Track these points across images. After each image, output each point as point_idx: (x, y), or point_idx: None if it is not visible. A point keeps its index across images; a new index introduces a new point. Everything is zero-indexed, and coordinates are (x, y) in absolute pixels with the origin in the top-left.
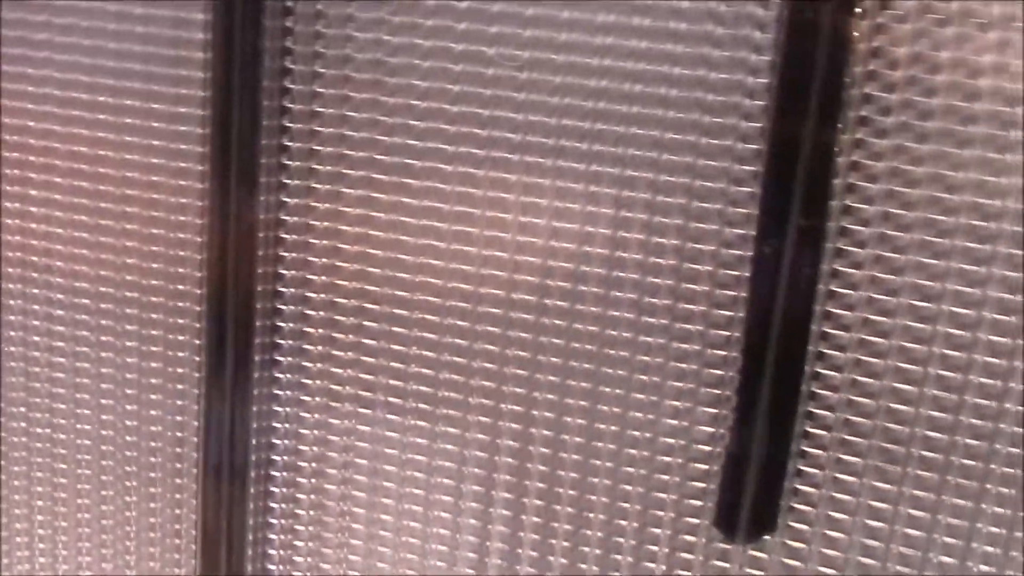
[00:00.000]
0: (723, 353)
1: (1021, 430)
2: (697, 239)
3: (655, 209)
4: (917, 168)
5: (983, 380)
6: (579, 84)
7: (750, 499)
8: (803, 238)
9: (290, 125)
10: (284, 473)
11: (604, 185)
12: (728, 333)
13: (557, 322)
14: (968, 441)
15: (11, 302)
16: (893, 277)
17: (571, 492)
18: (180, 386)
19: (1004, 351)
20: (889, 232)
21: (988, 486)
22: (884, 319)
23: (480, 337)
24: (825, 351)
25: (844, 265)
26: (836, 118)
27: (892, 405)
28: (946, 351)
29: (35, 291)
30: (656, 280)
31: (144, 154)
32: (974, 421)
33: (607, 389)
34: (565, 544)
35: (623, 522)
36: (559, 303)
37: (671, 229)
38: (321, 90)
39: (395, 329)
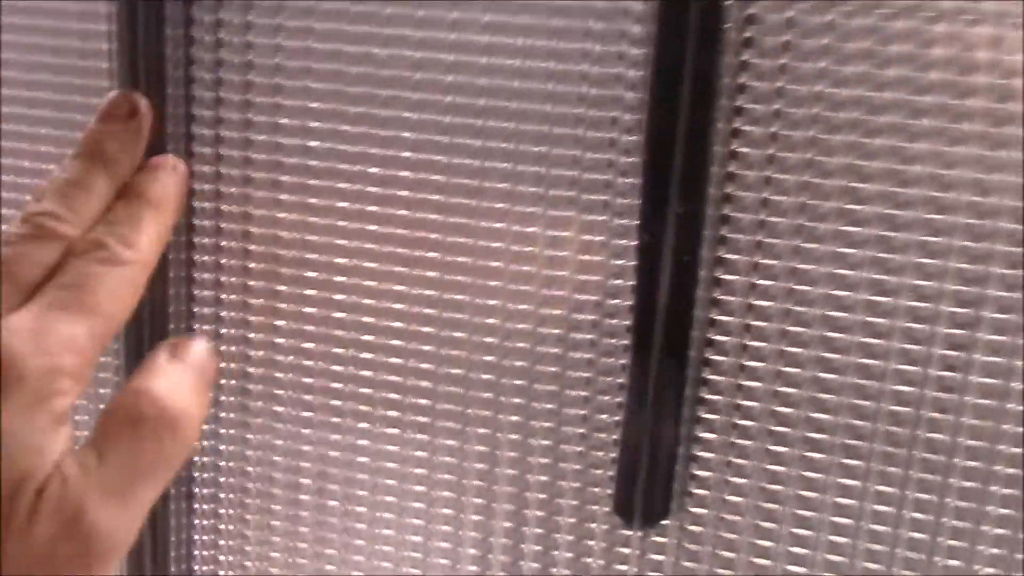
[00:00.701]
0: (614, 341)
1: (906, 410)
2: (588, 230)
3: (547, 202)
4: (792, 154)
5: (866, 361)
6: (468, 82)
7: (643, 485)
8: (682, 226)
9: (196, 131)
10: (205, 474)
11: (495, 180)
12: (618, 321)
13: (458, 316)
14: (853, 422)
15: None
16: (774, 262)
17: (476, 483)
18: (104, 390)
19: (883, 331)
20: (768, 218)
21: (872, 464)
22: (769, 303)
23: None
24: (712, 336)
25: (726, 252)
26: (709, 108)
27: (781, 388)
28: (828, 333)
29: None
30: (549, 272)
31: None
32: (858, 402)
33: (507, 381)
34: (473, 534)
35: (527, 511)
36: (457, 297)
37: (560, 221)
38: (224, 96)
39: (306, 328)
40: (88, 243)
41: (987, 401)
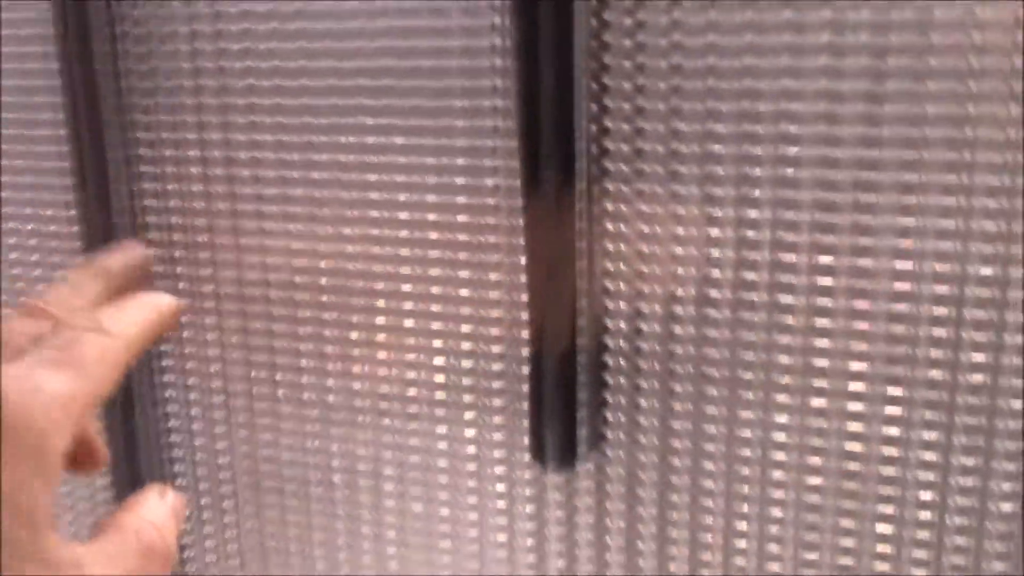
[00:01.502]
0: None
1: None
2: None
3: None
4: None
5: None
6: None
7: (554, 430)
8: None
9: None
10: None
11: (397, 154)
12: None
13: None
14: (748, 356)
15: None
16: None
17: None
18: None
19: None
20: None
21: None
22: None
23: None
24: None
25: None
26: (569, 73)
27: (679, 330)
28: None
29: None
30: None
31: None
32: (751, 336)
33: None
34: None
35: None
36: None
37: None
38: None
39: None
40: (79, 316)
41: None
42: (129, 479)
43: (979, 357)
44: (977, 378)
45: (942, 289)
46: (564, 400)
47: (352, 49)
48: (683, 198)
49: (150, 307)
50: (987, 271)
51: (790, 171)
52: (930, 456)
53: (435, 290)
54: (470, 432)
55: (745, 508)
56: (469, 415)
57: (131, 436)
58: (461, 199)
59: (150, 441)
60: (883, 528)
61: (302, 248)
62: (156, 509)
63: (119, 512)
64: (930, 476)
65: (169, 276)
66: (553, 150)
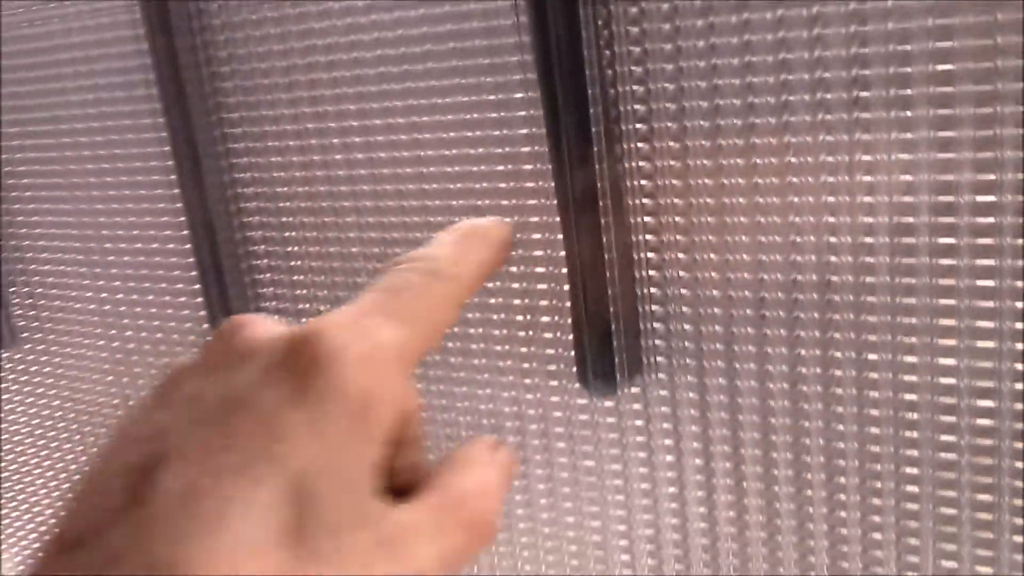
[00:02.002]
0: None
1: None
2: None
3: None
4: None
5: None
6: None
7: (595, 356)
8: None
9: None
10: None
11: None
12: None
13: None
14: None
15: None
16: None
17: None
18: None
19: None
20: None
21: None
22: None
23: None
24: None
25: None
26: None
27: (703, 258)
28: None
29: None
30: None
31: None
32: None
33: None
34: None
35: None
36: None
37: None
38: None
39: None
40: (414, 254)
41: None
42: None
43: None
44: None
45: None
46: (601, 331)
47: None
48: (693, 132)
49: (490, 242)
50: None
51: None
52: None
53: None
54: (525, 365)
55: (774, 421)
56: (521, 349)
57: None
58: (496, 149)
59: None
60: (938, 437)
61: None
62: (485, 470)
63: (445, 467)
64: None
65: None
66: (569, 100)
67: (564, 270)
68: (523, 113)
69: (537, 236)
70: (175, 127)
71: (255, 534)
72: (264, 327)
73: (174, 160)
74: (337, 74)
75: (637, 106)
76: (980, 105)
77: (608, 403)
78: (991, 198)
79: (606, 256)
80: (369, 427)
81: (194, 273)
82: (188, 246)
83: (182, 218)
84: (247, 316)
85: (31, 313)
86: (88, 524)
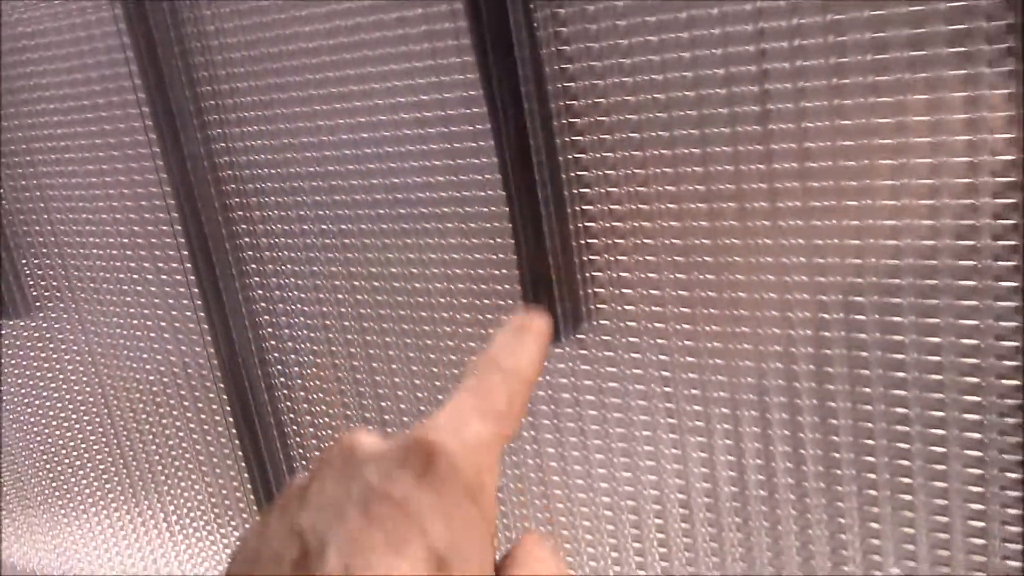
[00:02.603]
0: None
1: None
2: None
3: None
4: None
5: None
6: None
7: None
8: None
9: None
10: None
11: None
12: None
13: None
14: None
15: None
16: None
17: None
18: None
19: None
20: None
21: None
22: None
23: None
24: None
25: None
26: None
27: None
28: None
29: None
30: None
31: None
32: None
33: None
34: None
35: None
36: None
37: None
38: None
39: None
40: (486, 358)
41: None
42: None
43: None
44: None
45: None
46: (544, 285)
47: None
48: (613, 89)
49: (540, 337)
50: None
51: None
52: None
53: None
54: (479, 317)
55: (710, 361)
56: (474, 302)
57: None
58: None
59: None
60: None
61: None
62: (546, 564)
63: (523, 550)
64: None
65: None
66: (502, 69)
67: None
68: (460, 77)
69: (481, 203)
70: (154, 101)
71: None
72: (373, 437)
73: (156, 135)
74: (304, 61)
75: (564, 65)
76: None
77: (558, 350)
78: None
79: (543, 211)
80: (483, 507)
81: (184, 252)
82: (175, 216)
83: (168, 198)
84: (356, 430)
85: (42, 283)
86: None
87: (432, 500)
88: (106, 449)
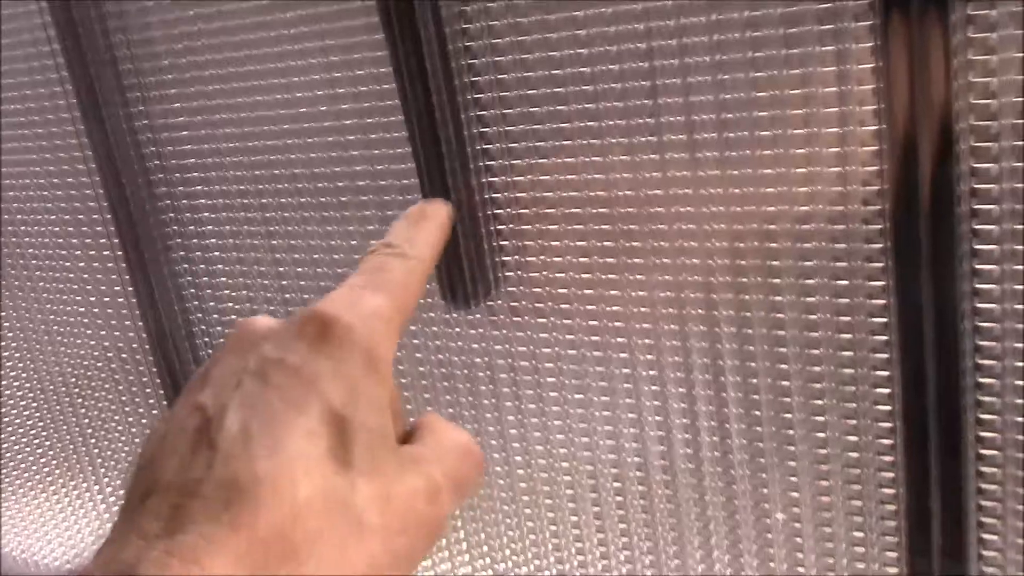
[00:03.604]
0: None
1: None
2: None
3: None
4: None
5: None
6: None
7: (451, 276)
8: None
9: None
10: None
11: None
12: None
13: None
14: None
15: None
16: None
17: None
18: None
19: None
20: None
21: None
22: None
23: None
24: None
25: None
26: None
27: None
28: None
29: None
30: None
31: None
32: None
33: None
34: None
35: None
36: None
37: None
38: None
39: None
40: (381, 244)
41: None
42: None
43: None
44: None
45: None
46: (455, 256)
47: None
48: (510, 65)
49: (437, 223)
50: None
51: None
52: None
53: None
54: None
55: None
56: None
57: None
58: (352, 95)
59: None
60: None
61: None
62: (457, 428)
63: (427, 419)
64: None
65: None
66: (408, 50)
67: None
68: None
69: (395, 182)
70: (77, 80)
71: (307, 452)
72: (269, 318)
73: (80, 114)
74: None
75: (469, 43)
76: None
77: (469, 317)
78: None
79: (449, 181)
80: (379, 371)
81: (116, 240)
82: (100, 193)
83: (94, 175)
84: (254, 316)
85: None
86: (161, 476)
87: (328, 365)
88: (40, 425)
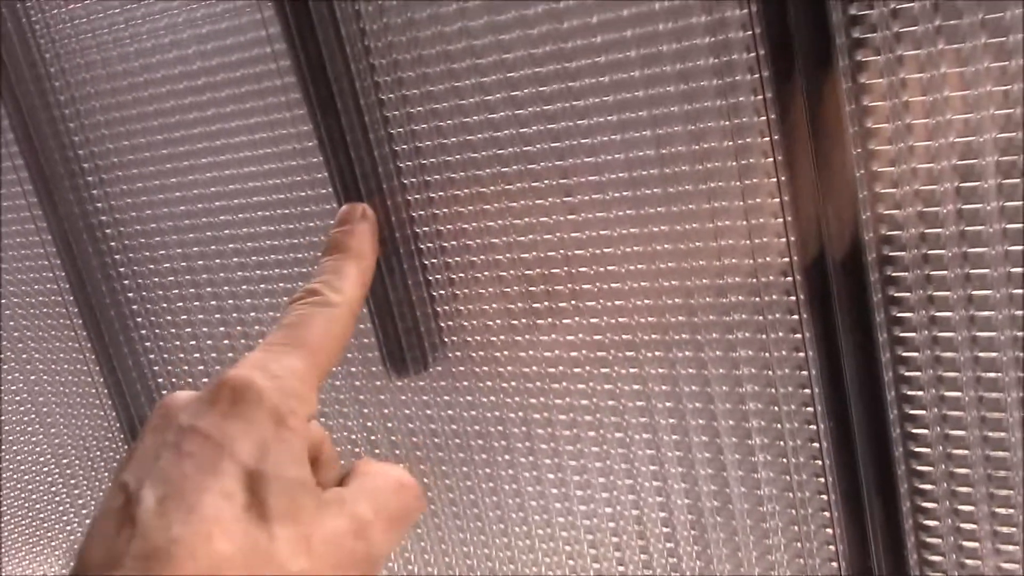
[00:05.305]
0: None
1: None
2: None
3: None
4: None
5: None
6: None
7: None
8: None
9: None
10: None
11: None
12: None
13: None
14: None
15: None
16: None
17: None
18: None
19: None
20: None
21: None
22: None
23: None
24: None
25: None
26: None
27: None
28: None
29: None
30: None
31: None
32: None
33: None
34: None
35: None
36: None
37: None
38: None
39: None
40: (304, 291)
41: None
42: None
43: None
44: None
45: None
46: (397, 319)
47: None
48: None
49: (361, 264)
50: None
51: None
52: None
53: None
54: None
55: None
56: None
57: None
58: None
59: None
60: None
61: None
62: (392, 467)
63: (359, 463)
64: None
65: None
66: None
67: None
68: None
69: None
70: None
71: (222, 511)
72: (188, 391)
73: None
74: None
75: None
76: None
77: (412, 383)
78: None
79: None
80: (291, 428)
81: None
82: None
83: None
84: (175, 392)
85: None
86: (89, 559)
87: (239, 427)
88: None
